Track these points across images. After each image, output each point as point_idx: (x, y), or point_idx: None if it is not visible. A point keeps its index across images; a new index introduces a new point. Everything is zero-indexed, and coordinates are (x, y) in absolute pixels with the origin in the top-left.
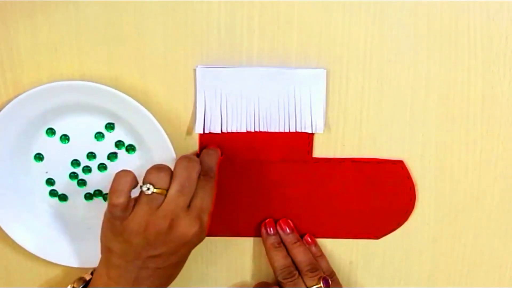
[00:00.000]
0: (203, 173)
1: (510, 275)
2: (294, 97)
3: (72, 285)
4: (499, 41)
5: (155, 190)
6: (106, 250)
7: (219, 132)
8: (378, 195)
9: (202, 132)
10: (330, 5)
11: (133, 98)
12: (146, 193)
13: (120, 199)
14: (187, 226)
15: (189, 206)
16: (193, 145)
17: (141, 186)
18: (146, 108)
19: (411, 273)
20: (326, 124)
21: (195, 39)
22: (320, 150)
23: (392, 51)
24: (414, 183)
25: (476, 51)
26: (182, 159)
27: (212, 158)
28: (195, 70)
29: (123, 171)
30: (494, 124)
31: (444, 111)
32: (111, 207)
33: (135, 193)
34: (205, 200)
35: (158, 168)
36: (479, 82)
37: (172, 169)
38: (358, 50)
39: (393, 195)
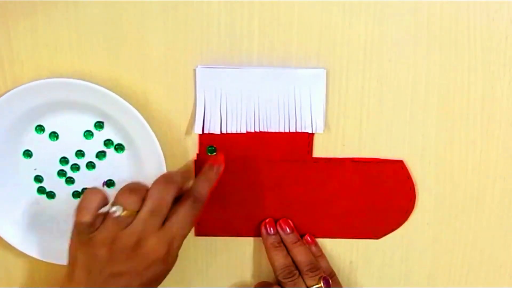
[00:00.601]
0: (192, 199)
1: (510, 275)
2: (294, 97)
3: None
4: (499, 41)
5: (122, 214)
6: (71, 261)
7: (219, 132)
8: (378, 195)
9: (201, 133)
10: (330, 5)
11: (133, 98)
12: (114, 215)
13: (85, 218)
14: (153, 246)
15: (163, 226)
16: (193, 145)
17: (109, 206)
18: (145, 107)
19: (411, 273)
20: (326, 124)
21: (195, 39)
22: (320, 150)
23: (392, 51)
24: (414, 183)
25: (476, 51)
26: (159, 181)
27: (206, 184)
28: (195, 70)
29: (93, 189)
30: (494, 124)
31: (444, 111)
32: (76, 224)
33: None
34: (181, 225)
35: (131, 189)
36: (479, 82)
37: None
38: (358, 50)
39: (393, 195)
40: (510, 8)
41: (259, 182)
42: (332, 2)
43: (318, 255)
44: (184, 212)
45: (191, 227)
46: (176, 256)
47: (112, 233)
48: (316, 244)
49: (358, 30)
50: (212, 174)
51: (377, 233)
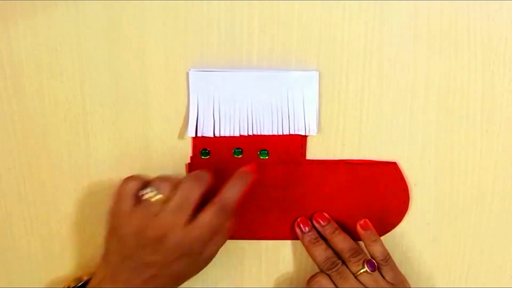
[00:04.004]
0: (217, 205)
1: (510, 275)
2: (287, 100)
3: (68, 285)
4: (499, 41)
5: (153, 196)
6: (106, 245)
7: (212, 135)
8: (371, 197)
9: (194, 136)
10: (330, 5)
11: (133, 98)
12: (144, 197)
13: (122, 203)
14: (178, 241)
15: (190, 223)
16: (186, 148)
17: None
18: (146, 107)
19: (411, 273)
20: (326, 125)
21: (195, 39)
22: (320, 150)
23: (392, 51)
24: (408, 185)
25: (476, 51)
26: (189, 177)
27: (234, 192)
28: (187, 73)
29: (132, 176)
30: (494, 124)
31: (444, 111)
32: (112, 209)
33: None
34: (204, 227)
35: (165, 177)
36: (479, 82)
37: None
38: (358, 50)
39: (386, 197)
40: (510, 8)
41: (253, 185)
42: (332, 2)
43: (373, 240)
44: (209, 216)
45: (217, 232)
46: (207, 256)
47: (141, 222)
48: (371, 229)
49: (358, 30)
50: (242, 182)
51: None
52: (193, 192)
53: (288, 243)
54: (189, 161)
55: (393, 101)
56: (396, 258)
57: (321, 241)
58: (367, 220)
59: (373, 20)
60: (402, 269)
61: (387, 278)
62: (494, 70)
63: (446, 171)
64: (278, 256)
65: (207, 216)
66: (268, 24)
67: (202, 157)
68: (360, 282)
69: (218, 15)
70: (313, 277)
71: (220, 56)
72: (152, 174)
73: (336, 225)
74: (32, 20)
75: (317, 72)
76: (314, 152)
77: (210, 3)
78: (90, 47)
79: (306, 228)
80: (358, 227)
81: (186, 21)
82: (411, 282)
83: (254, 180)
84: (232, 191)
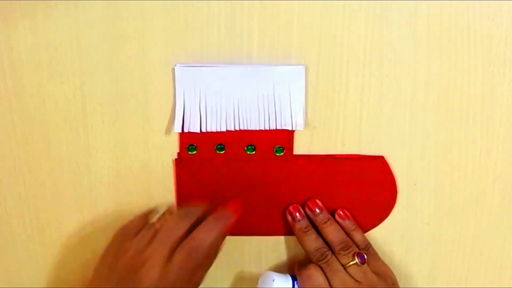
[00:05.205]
0: (187, 248)
1: (510, 275)
2: (274, 94)
3: None
4: (499, 41)
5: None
6: (94, 272)
7: (198, 131)
8: (359, 191)
9: (181, 131)
10: (330, 5)
11: (133, 97)
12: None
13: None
14: (150, 277)
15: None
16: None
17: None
18: (146, 107)
19: (411, 273)
20: (326, 125)
21: (195, 39)
22: (320, 151)
23: (392, 51)
24: (395, 179)
25: (476, 51)
26: (176, 215)
27: (208, 234)
28: (173, 69)
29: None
30: (494, 124)
31: (444, 111)
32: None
33: None
34: (178, 271)
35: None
36: (479, 82)
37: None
38: (358, 50)
39: (374, 191)
40: (510, 8)
41: (240, 180)
42: (332, 2)
43: (352, 229)
44: (180, 260)
45: (192, 274)
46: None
47: (132, 253)
48: (349, 218)
49: (358, 30)
50: (220, 222)
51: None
52: (175, 233)
53: (288, 244)
54: (176, 157)
55: (393, 101)
56: (396, 258)
57: (312, 230)
58: (344, 209)
59: (373, 20)
60: (402, 269)
61: (372, 269)
62: (494, 70)
63: (446, 171)
64: (279, 256)
65: (178, 258)
66: (268, 24)
67: (189, 152)
68: (349, 274)
69: (218, 15)
70: (305, 267)
71: (220, 56)
72: (152, 173)
73: (328, 215)
74: (32, 20)
75: (303, 67)
76: (314, 151)
77: (210, 3)
78: (90, 47)
79: (298, 216)
80: (337, 217)
81: (186, 21)
82: (411, 282)
83: (236, 220)
84: (206, 234)
